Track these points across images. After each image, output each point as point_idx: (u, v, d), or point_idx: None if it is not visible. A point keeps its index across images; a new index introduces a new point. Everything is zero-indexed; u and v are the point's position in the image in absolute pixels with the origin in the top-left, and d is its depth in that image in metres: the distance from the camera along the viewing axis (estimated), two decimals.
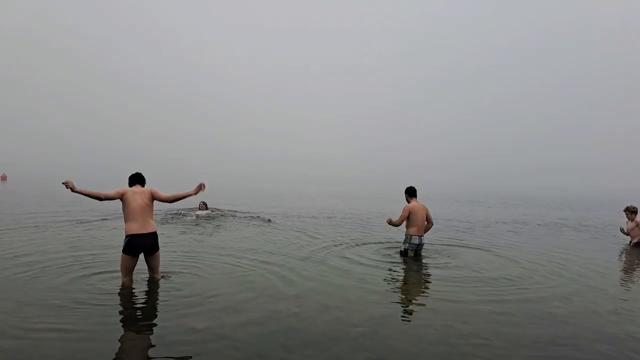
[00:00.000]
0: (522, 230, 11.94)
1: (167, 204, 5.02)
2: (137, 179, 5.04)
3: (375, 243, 8.53)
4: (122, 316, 4.00)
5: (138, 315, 4.11)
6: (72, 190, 4.38)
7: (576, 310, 4.54)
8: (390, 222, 7.20)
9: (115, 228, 9.57)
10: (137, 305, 4.35)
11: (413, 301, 4.83)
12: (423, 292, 5.26)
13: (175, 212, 13.80)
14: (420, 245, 7.15)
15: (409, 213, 7.05)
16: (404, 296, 5.04)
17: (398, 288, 5.43)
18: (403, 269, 6.45)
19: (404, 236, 7.23)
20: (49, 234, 8.68)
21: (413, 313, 4.30)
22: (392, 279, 5.81)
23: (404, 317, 4.21)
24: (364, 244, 8.45)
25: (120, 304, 4.29)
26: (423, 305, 4.63)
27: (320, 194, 33.10)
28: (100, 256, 6.38)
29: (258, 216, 14.26)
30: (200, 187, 4.82)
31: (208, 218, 13.42)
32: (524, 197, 37.36)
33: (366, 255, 7.27)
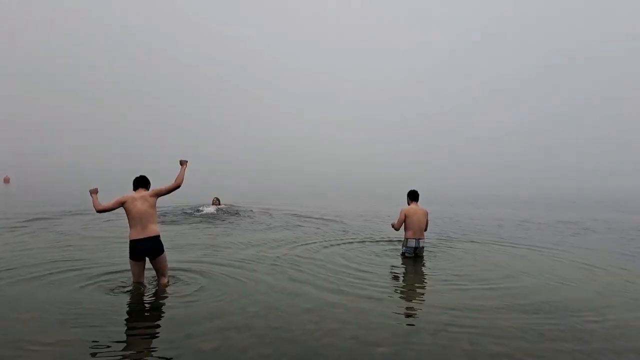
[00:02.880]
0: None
1: (174, 196, 5.18)
2: (140, 183, 5.07)
3: (391, 242, 8.21)
4: (115, 335, 3.70)
5: (135, 334, 3.80)
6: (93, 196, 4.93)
7: None
8: (393, 226, 7.37)
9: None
10: (137, 320, 4.05)
11: (436, 316, 4.41)
12: (447, 304, 4.78)
13: (190, 209, 13.99)
14: (418, 249, 7.15)
15: (405, 216, 7.09)
16: (426, 309, 4.69)
17: (419, 299, 5.11)
18: (423, 276, 6.15)
19: (403, 239, 7.31)
20: None
21: (438, 330, 3.96)
22: (412, 288, 5.50)
23: (428, 334, 3.86)
24: (377, 242, 8.13)
25: (117, 319, 3.99)
26: (448, 320, 4.24)
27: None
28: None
29: (273, 214, 14.16)
30: (184, 162, 5.12)
31: (224, 213, 13.63)
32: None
33: (381, 258, 7.01)
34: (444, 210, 18.31)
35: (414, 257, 7.12)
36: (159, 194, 4.95)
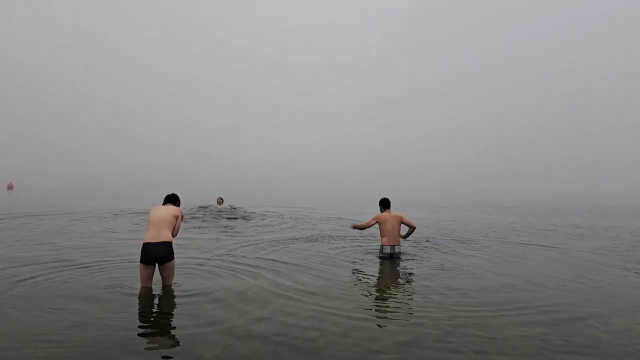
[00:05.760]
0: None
1: (178, 226, 5.28)
2: (169, 199, 5.41)
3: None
4: (115, 339, 3.67)
5: (136, 338, 3.77)
6: None
7: None
8: (354, 227, 7.83)
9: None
10: (139, 325, 4.03)
11: (440, 323, 4.33)
12: (450, 312, 4.71)
13: (197, 209, 14.31)
14: (393, 254, 7.45)
15: (377, 222, 7.47)
16: (429, 317, 4.58)
17: (421, 306, 5.01)
18: (425, 283, 6.07)
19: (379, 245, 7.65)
20: None
21: (441, 337, 3.91)
22: (414, 295, 5.42)
23: (432, 342, 3.79)
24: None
25: (120, 323, 3.97)
26: (451, 327, 4.19)
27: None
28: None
29: (276, 214, 14.25)
30: None
31: (228, 213, 14.08)
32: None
33: (381, 262, 6.98)
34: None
35: (389, 259, 7.42)
36: (178, 216, 5.16)
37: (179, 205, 5.46)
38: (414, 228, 7.59)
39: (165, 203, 5.40)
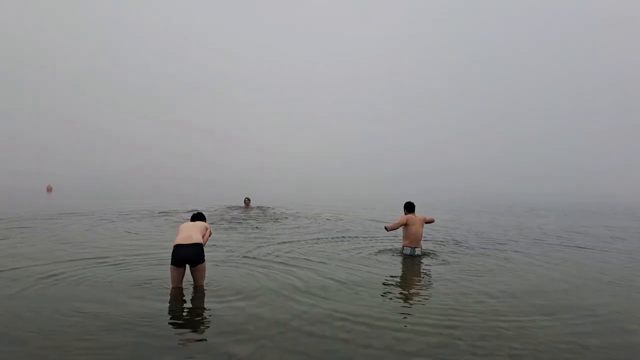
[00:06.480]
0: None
1: (207, 237, 5.59)
2: (197, 217, 5.84)
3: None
4: (148, 339, 3.79)
5: (170, 337, 3.88)
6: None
7: None
8: (387, 229, 7.86)
9: None
10: (172, 323, 4.15)
11: (473, 327, 4.24)
12: (485, 315, 4.61)
13: (226, 208, 14.74)
14: (412, 256, 7.64)
15: (407, 222, 7.67)
16: (462, 320, 4.48)
17: (454, 309, 4.89)
18: (458, 286, 5.98)
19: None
20: None
21: (474, 340, 3.85)
22: (447, 297, 5.34)
23: (465, 345, 3.74)
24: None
25: (147, 323, 4.09)
26: (485, 331, 4.12)
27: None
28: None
29: (303, 216, 14.41)
30: None
31: (257, 214, 14.45)
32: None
33: (409, 264, 6.93)
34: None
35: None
36: (208, 228, 5.58)
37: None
38: (433, 220, 8.10)
39: (193, 221, 5.70)
